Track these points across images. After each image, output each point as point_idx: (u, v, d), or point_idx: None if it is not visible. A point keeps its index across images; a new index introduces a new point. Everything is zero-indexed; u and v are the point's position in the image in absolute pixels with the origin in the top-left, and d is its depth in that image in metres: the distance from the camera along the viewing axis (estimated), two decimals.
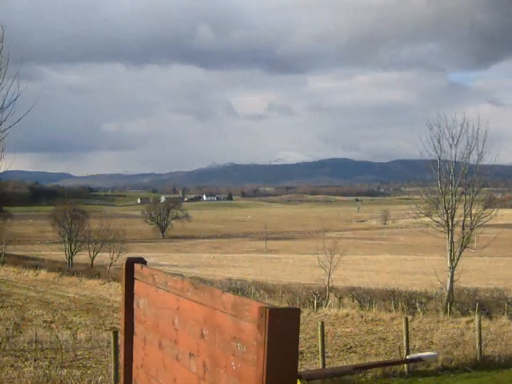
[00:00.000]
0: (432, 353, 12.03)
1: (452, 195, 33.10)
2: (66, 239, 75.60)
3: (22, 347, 15.25)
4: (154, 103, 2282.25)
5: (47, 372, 11.93)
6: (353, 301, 37.16)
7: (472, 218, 33.04)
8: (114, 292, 37.93)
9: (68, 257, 73.08)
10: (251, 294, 41.53)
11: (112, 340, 11.41)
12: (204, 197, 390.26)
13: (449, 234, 32.89)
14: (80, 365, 13.56)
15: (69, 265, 69.64)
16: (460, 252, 32.87)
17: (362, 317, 25.51)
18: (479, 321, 15.90)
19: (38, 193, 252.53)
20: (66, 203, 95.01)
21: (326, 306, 33.39)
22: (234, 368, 2.90)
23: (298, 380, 6.86)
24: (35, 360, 13.41)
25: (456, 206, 33.19)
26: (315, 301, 35.73)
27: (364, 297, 36.37)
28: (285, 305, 34.36)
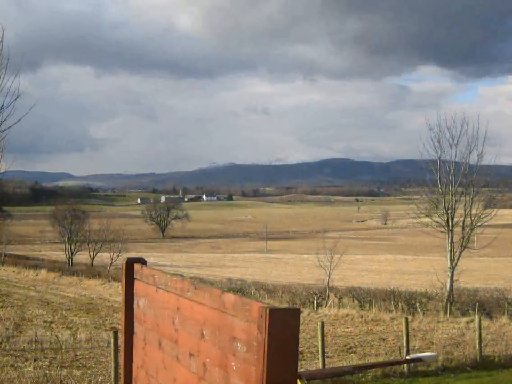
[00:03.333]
0: (432, 353, 12.04)
1: (452, 195, 33.11)
2: (66, 239, 75.50)
3: (22, 347, 15.25)
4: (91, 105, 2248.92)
5: (47, 372, 11.92)
6: (353, 301, 37.15)
7: (472, 218, 33.07)
8: (114, 292, 37.93)
9: (67, 257, 73.05)
10: (251, 294, 41.51)
11: (112, 340, 11.40)
12: (204, 197, 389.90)
13: (449, 235, 32.89)
14: (80, 365, 13.57)
15: (69, 265, 69.60)
16: (460, 252, 32.88)
17: (362, 317, 25.52)
18: (479, 321, 15.89)
19: (38, 193, 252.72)
20: (66, 203, 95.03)
21: (326, 306, 33.38)
22: (234, 368, 2.90)
23: (298, 380, 6.86)
24: (35, 360, 13.41)
25: (456, 206, 33.21)
26: (315, 301, 35.70)
27: (364, 298, 36.37)
28: (285, 305, 34.35)
